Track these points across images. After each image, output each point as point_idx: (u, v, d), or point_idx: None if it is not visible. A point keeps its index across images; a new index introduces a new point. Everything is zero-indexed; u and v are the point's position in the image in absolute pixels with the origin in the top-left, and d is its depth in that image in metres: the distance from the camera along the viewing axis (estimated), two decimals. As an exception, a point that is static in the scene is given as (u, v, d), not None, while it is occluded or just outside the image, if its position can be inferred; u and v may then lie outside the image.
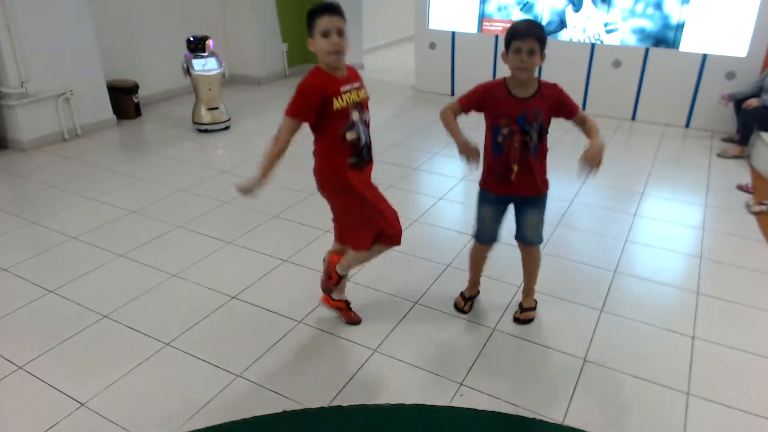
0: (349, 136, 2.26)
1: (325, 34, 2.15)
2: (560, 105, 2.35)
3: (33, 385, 2.35)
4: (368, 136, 2.35)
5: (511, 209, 2.57)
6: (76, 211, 3.87)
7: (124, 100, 5.77)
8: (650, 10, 5.60)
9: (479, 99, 2.39)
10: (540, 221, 2.55)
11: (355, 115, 2.26)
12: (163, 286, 3.04)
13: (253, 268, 3.19)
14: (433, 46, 6.77)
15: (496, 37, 6.34)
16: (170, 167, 4.66)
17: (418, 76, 7.08)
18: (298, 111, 2.21)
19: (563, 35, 6.09)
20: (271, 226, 3.68)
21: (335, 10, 2.18)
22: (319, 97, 2.19)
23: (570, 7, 5.95)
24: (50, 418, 2.17)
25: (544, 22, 6.04)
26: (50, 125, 5.09)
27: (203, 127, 5.49)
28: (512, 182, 2.41)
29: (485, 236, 2.65)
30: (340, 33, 2.17)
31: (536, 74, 2.36)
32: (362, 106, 2.31)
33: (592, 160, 2.19)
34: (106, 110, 5.59)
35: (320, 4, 2.18)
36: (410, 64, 7.40)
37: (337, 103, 2.21)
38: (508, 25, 2.59)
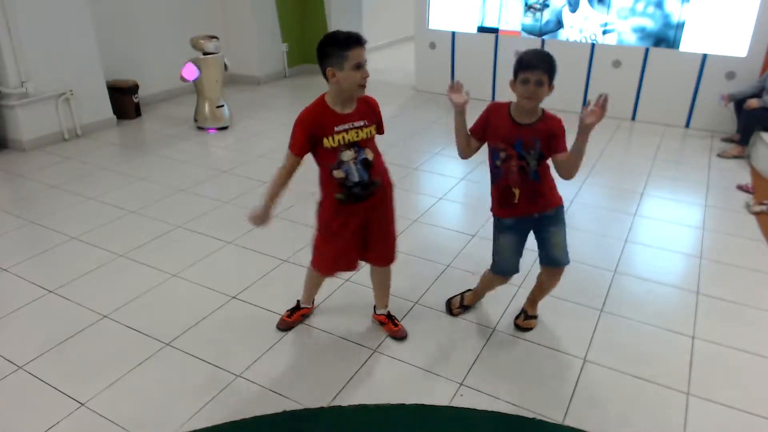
0: (336, 174, 2.21)
1: (359, 67, 2.08)
2: (552, 139, 2.26)
3: (33, 385, 2.35)
4: (365, 174, 2.23)
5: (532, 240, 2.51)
6: (76, 211, 3.87)
7: (124, 100, 5.78)
8: (651, 9, 5.60)
9: (482, 120, 2.36)
10: (564, 238, 2.45)
11: (346, 155, 2.19)
12: (163, 286, 3.04)
13: (253, 268, 3.20)
14: (433, 46, 6.77)
15: (496, 37, 6.34)
16: (170, 167, 4.66)
17: (418, 76, 7.08)
18: (293, 146, 2.21)
19: (560, 35, 6.09)
20: (271, 225, 3.67)
21: (365, 42, 2.10)
22: (308, 134, 2.17)
23: (567, 8, 5.95)
24: (50, 418, 2.18)
25: (542, 22, 6.05)
26: (50, 125, 5.09)
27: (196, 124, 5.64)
28: (516, 205, 2.37)
29: (503, 268, 2.54)
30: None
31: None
32: (360, 145, 2.21)
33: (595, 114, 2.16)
34: (106, 110, 5.59)
35: (349, 35, 2.08)
36: (410, 64, 7.40)
37: (327, 143, 2.18)
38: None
